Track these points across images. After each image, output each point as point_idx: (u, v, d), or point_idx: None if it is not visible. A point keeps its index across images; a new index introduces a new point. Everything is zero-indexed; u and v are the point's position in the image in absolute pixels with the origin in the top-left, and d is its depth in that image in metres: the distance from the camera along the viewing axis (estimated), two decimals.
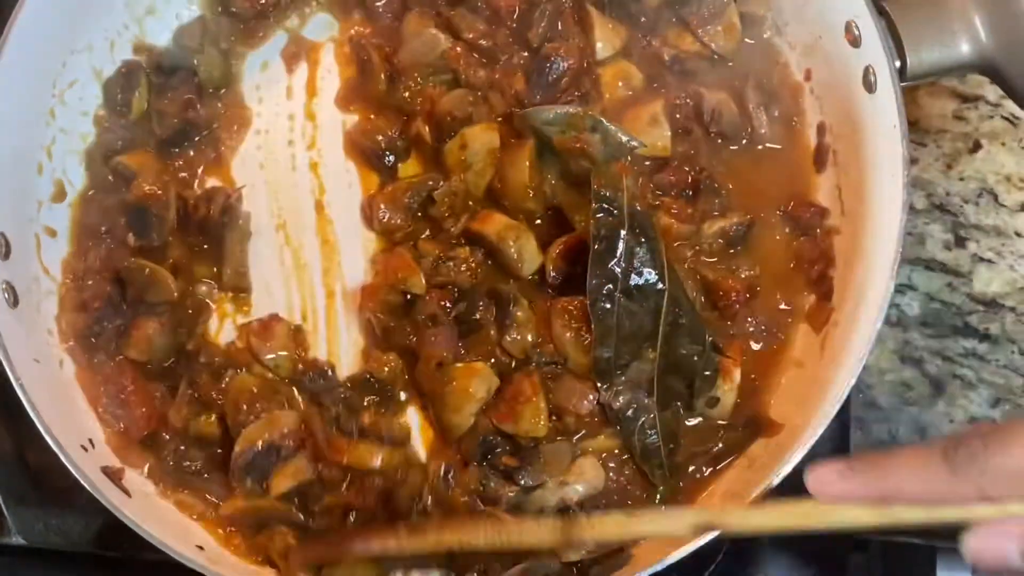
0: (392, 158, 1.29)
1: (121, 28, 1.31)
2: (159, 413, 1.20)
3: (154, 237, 1.23)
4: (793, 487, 1.01)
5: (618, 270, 1.13)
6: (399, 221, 1.25)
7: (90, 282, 1.24)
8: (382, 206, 1.25)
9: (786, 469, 1.06)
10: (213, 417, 1.19)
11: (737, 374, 1.18)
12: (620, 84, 1.28)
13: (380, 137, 1.29)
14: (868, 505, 0.83)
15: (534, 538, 1.02)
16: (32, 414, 1.06)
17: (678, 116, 1.27)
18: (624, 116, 1.26)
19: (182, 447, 1.19)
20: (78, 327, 1.21)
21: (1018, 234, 1.37)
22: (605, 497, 1.17)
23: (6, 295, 1.13)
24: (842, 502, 0.84)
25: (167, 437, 1.20)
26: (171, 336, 1.22)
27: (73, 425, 1.15)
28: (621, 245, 1.13)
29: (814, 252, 1.23)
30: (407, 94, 1.29)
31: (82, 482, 1.05)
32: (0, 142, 1.18)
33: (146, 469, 1.19)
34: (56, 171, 1.26)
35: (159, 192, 1.24)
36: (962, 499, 0.78)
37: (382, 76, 1.29)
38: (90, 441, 1.15)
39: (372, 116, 1.32)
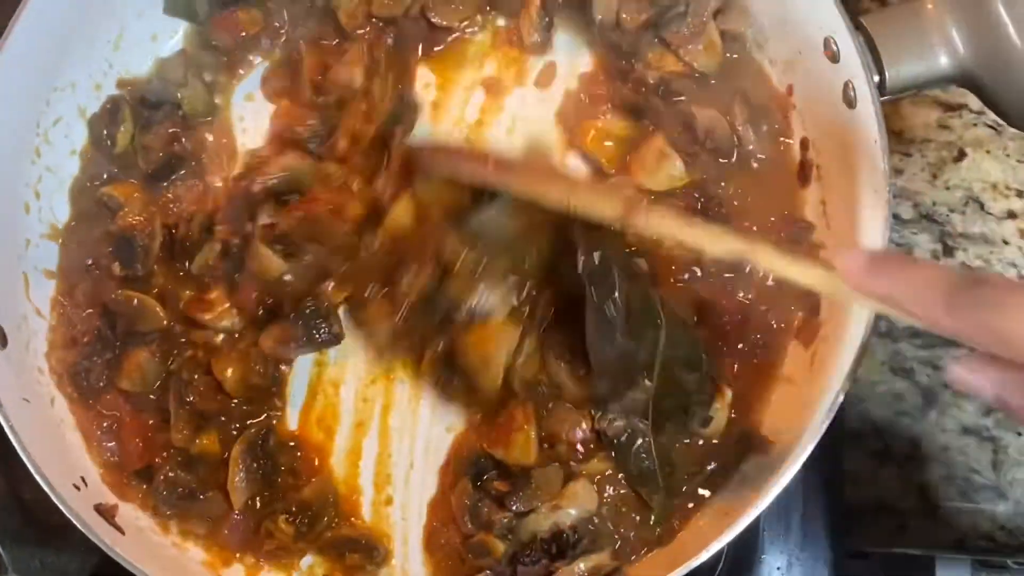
0: None
1: (104, 65, 1.31)
2: (153, 443, 1.20)
3: (138, 267, 1.24)
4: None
5: (615, 313, 1.13)
6: None
7: (80, 317, 1.24)
8: None
9: (779, 486, 1.06)
10: (214, 434, 1.19)
11: (729, 393, 1.18)
12: (606, 143, 1.29)
13: None
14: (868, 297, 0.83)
15: (601, 208, 1.06)
16: (22, 455, 1.06)
17: (679, 144, 1.27)
18: (630, 165, 1.27)
19: (174, 472, 1.19)
20: (68, 363, 1.22)
21: (1005, 242, 1.37)
22: (599, 518, 1.17)
23: None
24: (862, 290, 0.83)
25: (159, 463, 1.20)
26: (163, 364, 1.22)
27: (65, 464, 1.15)
28: (617, 292, 1.13)
29: None
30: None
31: (74, 521, 1.05)
32: None
33: (140, 500, 1.19)
34: (43, 209, 1.27)
35: (144, 221, 1.25)
36: (944, 330, 0.77)
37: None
38: (82, 479, 1.15)
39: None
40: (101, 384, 1.21)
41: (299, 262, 1.20)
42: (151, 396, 1.22)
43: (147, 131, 1.30)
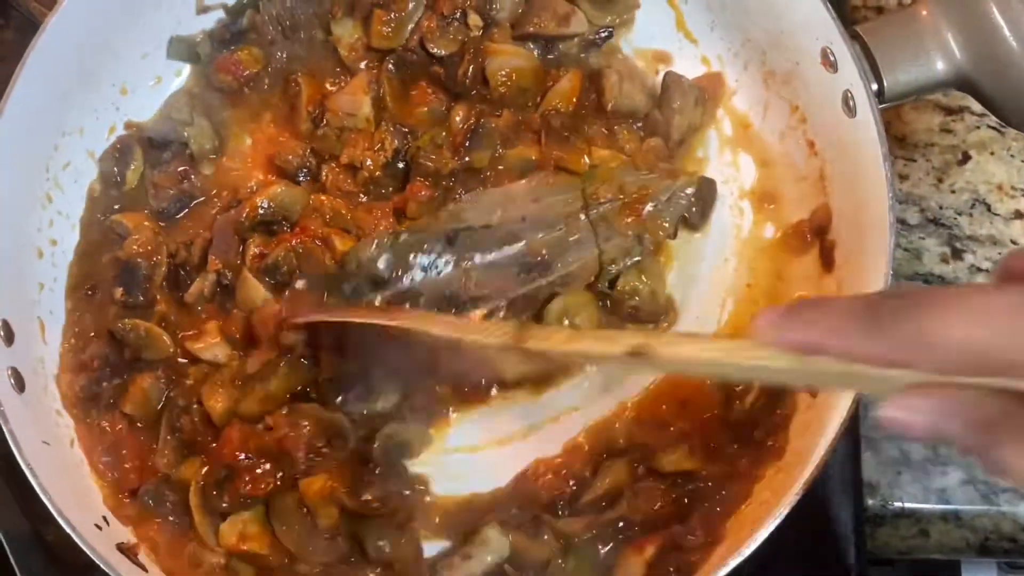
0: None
1: (111, 108, 1.33)
2: (150, 466, 1.22)
3: (139, 296, 1.26)
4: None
5: None
6: None
7: (89, 343, 1.26)
8: None
9: (793, 497, 1.06)
10: (196, 464, 1.19)
11: None
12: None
13: None
14: (796, 354, 0.73)
15: (487, 337, 1.02)
16: (43, 497, 1.07)
17: None
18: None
19: (157, 491, 1.20)
20: (77, 387, 1.23)
21: (1014, 242, 1.37)
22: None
23: (12, 381, 1.14)
24: (777, 346, 0.74)
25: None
26: (166, 390, 1.24)
27: (86, 504, 1.16)
28: None
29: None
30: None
31: (96, 561, 1.06)
32: None
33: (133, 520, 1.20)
34: (56, 254, 1.28)
35: (151, 250, 1.27)
36: (878, 360, 0.68)
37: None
38: (104, 519, 1.16)
39: None
40: (110, 405, 1.23)
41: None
42: (152, 421, 1.24)
43: (157, 170, 1.32)
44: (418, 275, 1.20)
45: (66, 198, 1.30)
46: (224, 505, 1.17)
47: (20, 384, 1.16)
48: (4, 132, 1.18)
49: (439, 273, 1.21)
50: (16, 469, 1.09)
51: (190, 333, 1.25)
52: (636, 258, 1.25)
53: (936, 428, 0.66)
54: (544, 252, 1.22)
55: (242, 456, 1.17)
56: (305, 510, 1.16)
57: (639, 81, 1.35)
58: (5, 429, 1.09)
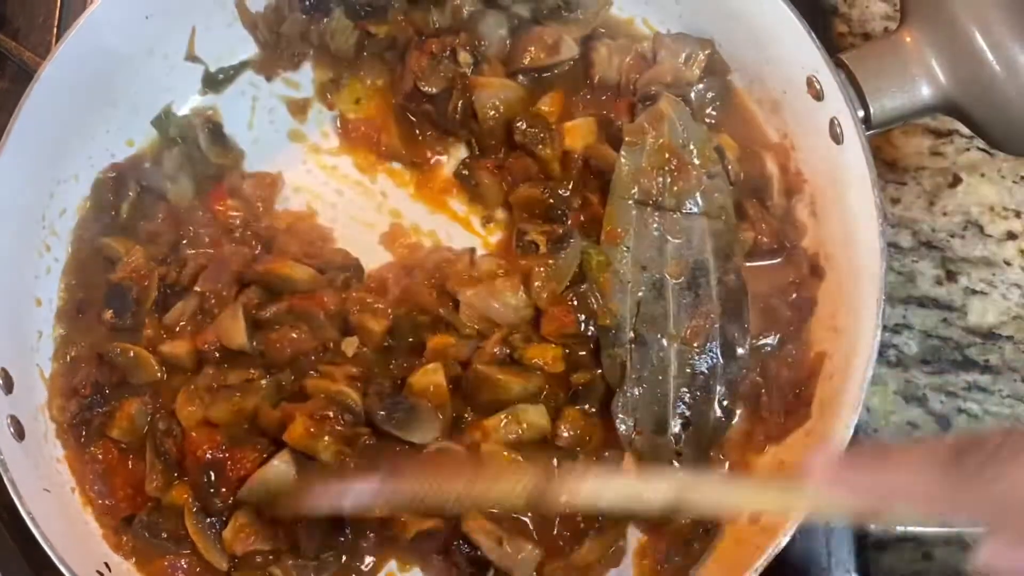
0: None
1: (106, 155, 1.35)
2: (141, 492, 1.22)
3: (128, 320, 1.26)
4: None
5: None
6: None
7: (79, 368, 1.26)
8: None
9: (793, 525, 1.06)
10: (184, 487, 1.20)
11: None
12: None
13: None
14: (861, 501, 0.77)
15: (507, 495, 0.98)
16: (44, 545, 1.08)
17: None
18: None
19: (151, 520, 1.20)
20: (68, 414, 1.24)
21: (1007, 263, 1.37)
22: None
23: (11, 429, 1.16)
24: (835, 492, 0.78)
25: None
26: (151, 414, 1.24)
27: (87, 551, 1.17)
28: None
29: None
30: None
31: None
32: None
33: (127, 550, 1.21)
34: (54, 301, 1.29)
35: (142, 275, 1.27)
36: (961, 510, 0.73)
37: None
38: (106, 565, 1.16)
39: None
40: (96, 434, 1.24)
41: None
42: (139, 446, 1.24)
43: (148, 213, 1.33)
44: None
45: (62, 245, 1.31)
46: (220, 505, 1.17)
47: (20, 432, 1.17)
48: (1, 181, 1.20)
49: None
50: (18, 516, 1.09)
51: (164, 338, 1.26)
52: None
53: None
54: None
55: (213, 452, 1.18)
56: None
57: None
58: (5, 478, 1.10)
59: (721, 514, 0.91)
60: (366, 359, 1.23)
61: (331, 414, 1.17)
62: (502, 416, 1.19)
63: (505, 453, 1.18)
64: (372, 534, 1.19)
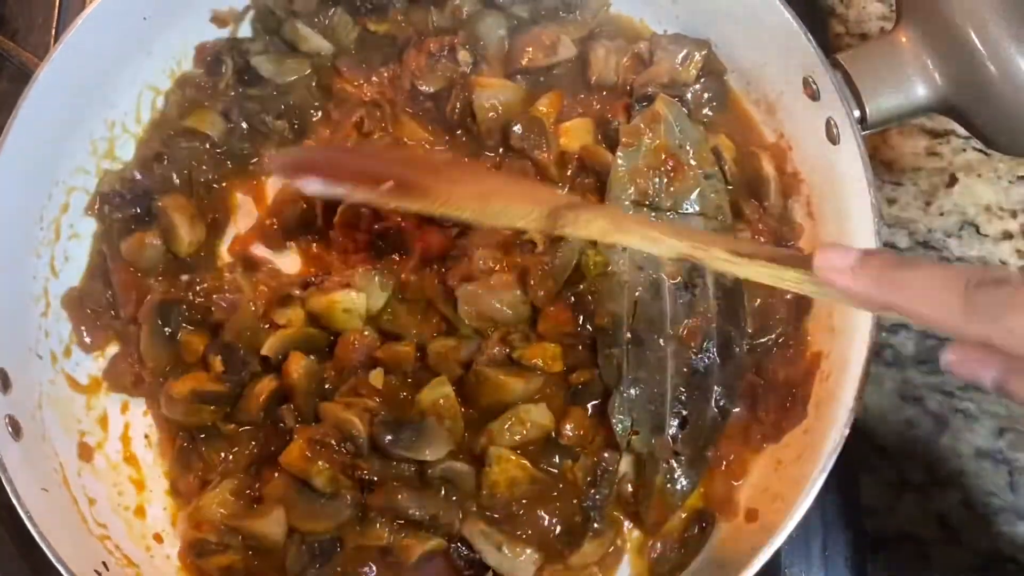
0: None
1: (105, 156, 1.35)
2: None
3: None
4: None
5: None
6: None
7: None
8: None
9: (791, 524, 1.06)
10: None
11: None
12: None
13: None
14: (868, 299, 0.80)
15: (522, 218, 1.01)
16: (42, 544, 1.07)
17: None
18: None
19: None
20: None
21: (1003, 263, 1.37)
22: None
23: (9, 428, 1.15)
24: (840, 291, 0.81)
25: None
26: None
27: (85, 551, 1.16)
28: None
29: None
30: None
31: None
32: None
33: None
34: (53, 301, 1.30)
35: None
36: (965, 335, 0.75)
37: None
38: (104, 564, 1.16)
39: None
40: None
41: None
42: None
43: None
44: None
45: (60, 246, 1.31)
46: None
47: (17, 431, 1.17)
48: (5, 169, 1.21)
49: None
50: (16, 516, 1.09)
51: None
52: None
53: (1000, 384, 0.76)
54: None
55: None
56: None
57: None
58: (3, 477, 1.10)
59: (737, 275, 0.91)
60: (392, 389, 1.23)
61: (333, 442, 1.17)
62: (507, 417, 1.19)
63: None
64: (374, 565, 1.19)
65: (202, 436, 1.25)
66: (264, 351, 1.22)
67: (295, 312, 1.24)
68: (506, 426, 1.19)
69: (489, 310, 1.21)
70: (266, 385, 1.21)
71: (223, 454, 1.24)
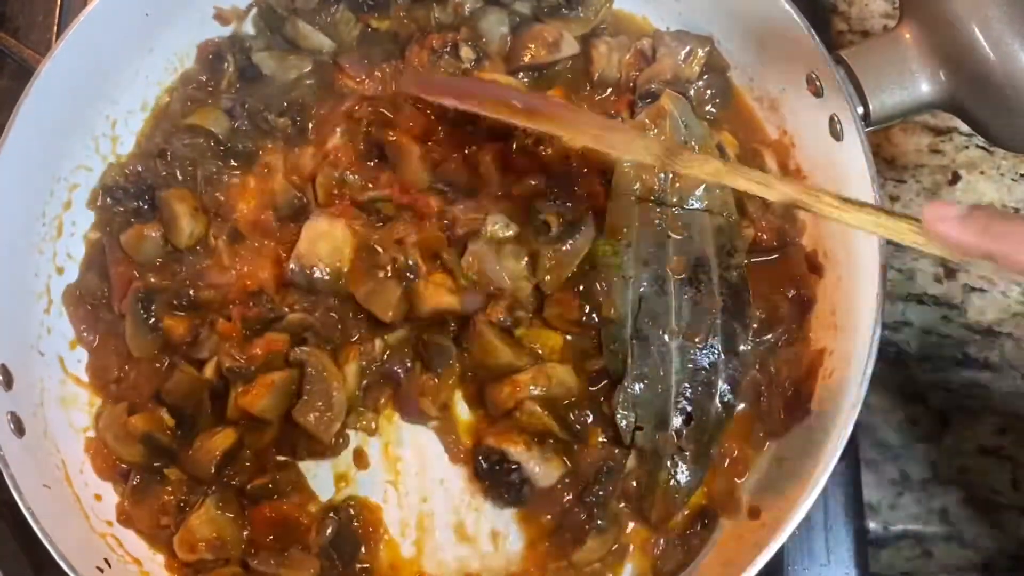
0: None
1: (109, 152, 1.35)
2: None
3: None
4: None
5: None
6: None
7: None
8: None
9: (794, 521, 1.06)
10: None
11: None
12: None
13: None
14: (971, 252, 0.85)
15: (634, 152, 1.10)
16: (45, 541, 1.07)
17: None
18: None
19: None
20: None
21: None
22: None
23: (11, 425, 1.15)
24: (946, 240, 0.85)
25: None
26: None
27: (88, 547, 1.16)
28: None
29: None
30: None
31: None
32: None
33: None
34: (55, 297, 1.30)
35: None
36: None
37: None
38: (106, 561, 1.16)
39: None
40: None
41: None
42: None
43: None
44: None
45: (63, 242, 1.31)
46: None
47: (20, 428, 1.17)
48: (1, 178, 1.20)
49: None
50: (18, 513, 1.09)
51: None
52: None
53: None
54: None
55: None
56: None
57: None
58: (5, 474, 1.10)
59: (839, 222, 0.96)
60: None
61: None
62: (532, 371, 1.21)
63: None
64: None
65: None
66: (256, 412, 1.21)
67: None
68: (530, 376, 1.20)
69: (491, 271, 1.22)
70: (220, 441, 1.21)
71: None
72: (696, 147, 1.24)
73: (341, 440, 1.24)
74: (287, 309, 1.23)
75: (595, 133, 1.12)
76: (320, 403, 1.19)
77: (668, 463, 1.19)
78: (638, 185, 1.24)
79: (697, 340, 1.20)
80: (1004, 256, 0.83)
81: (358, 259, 1.22)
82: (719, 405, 1.20)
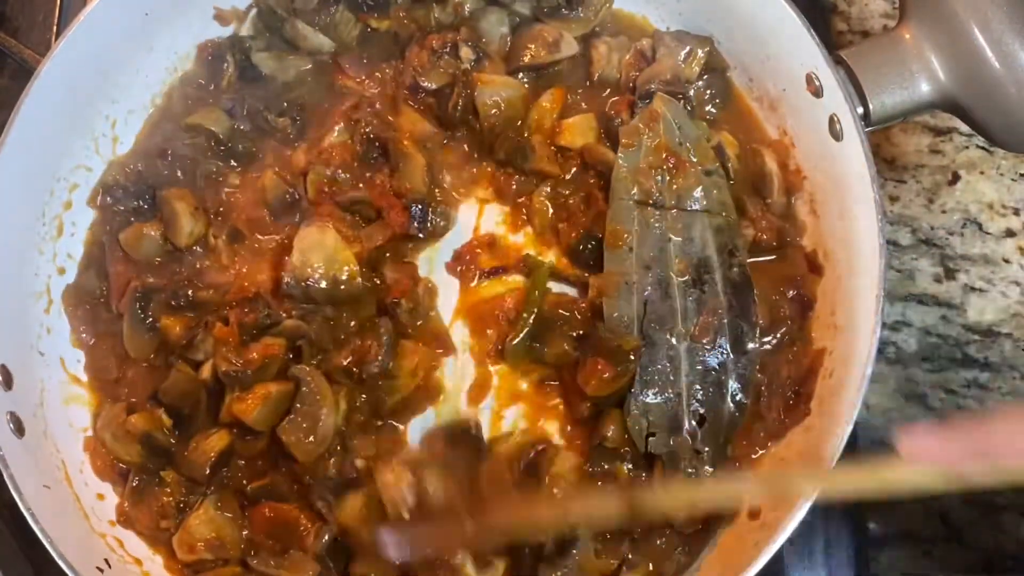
0: None
1: (108, 152, 1.35)
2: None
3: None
4: None
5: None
6: None
7: None
8: None
9: (793, 522, 1.06)
10: None
11: None
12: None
13: None
14: (963, 463, 0.84)
15: (601, 511, 1.06)
16: (45, 541, 1.07)
17: None
18: None
19: None
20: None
21: (1006, 260, 1.37)
22: None
23: (11, 425, 1.16)
24: (935, 464, 0.84)
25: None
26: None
27: (88, 547, 1.16)
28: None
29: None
30: None
31: None
32: None
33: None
34: (55, 297, 1.30)
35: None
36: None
37: None
38: (106, 561, 1.16)
39: None
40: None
41: None
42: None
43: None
44: None
45: (63, 242, 1.31)
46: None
47: (20, 428, 1.17)
48: (1, 178, 1.20)
49: None
50: (18, 513, 1.09)
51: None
52: None
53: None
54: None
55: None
56: None
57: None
58: (5, 474, 1.10)
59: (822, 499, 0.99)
60: None
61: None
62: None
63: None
64: None
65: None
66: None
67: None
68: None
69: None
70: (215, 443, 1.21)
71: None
72: (692, 149, 1.25)
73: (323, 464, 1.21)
74: (283, 315, 1.22)
75: (557, 520, 1.11)
76: (306, 425, 1.18)
77: (686, 466, 1.19)
78: (635, 189, 1.24)
79: (705, 341, 1.20)
80: (994, 453, 0.83)
81: None
82: (731, 404, 1.20)
